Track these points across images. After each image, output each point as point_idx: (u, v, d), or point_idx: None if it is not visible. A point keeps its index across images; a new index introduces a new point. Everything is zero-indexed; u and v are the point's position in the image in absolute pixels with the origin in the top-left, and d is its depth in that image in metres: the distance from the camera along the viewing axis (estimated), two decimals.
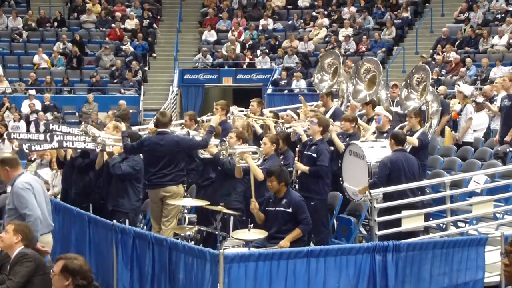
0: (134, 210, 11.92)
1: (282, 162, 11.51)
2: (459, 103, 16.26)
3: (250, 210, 10.57)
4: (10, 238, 7.93)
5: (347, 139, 12.42)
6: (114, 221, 10.42)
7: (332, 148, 11.98)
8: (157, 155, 11.55)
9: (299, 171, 11.49)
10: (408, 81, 13.31)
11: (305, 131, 12.20)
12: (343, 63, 27.81)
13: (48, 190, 14.95)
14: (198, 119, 14.31)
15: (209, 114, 14.92)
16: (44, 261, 8.04)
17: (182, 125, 14.59)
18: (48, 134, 12.45)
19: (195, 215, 12.32)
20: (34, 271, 7.66)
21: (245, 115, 14.22)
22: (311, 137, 11.84)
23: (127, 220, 11.27)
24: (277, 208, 10.14)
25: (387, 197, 10.84)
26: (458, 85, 17.06)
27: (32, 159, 17.97)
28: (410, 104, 13.10)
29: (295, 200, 10.13)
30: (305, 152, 11.60)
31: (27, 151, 13.49)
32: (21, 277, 7.60)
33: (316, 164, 11.39)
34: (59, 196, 14.35)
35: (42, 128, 25.03)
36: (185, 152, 11.87)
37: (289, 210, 10.06)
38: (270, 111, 14.42)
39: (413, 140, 12.05)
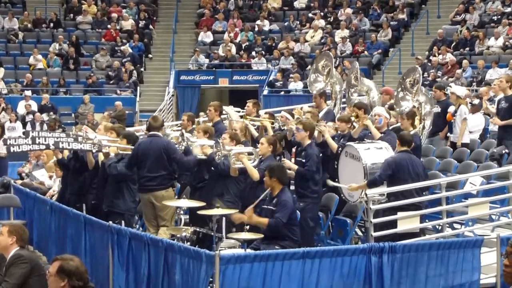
0: (129, 211, 11.91)
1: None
2: (453, 104, 16.25)
3: (245, 211, 10.57)
4: (5, 239, 7.89)
5: (342, 139, 12.44)
6: (110, 222, 10.43)
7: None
8: (145, 157, 11.61)
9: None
10: (403, 86, 13.32)
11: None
12: (339, 65, 27.95)
13: (45, 192, 15.01)
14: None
15: (204, 115, 14.90)
16: (40, 262, 8.00)
17: (178, 125, 14.59)
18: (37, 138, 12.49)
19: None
20: (29, 272, 7.63)
21: (241, 116, 14.21)
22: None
23: (122, 221, 11.26)
24: (268, 206, 10.21)
25: (392, 197, 10.86)
26: (450, 86, 17.07)
27: (29, 160, 17.97)
28: (404, 104, 13.11)
29: (281, 198, 10.17)
30: (297, 159, 11.63)
31: (12, 149, 13.10)
32: (16, 278, 7.56)
33: (304, 168, 11.44)
34: (54, 197, 14.35)
35: (38, 128, 25.07)
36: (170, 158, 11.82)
37: (274, 209, 10.12)
38: (266, 112, 14.42)
39: None
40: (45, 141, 12.44)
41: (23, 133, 14.70)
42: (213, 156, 11.43)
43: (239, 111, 14.90)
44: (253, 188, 11.13)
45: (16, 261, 7.67)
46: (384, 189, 10.91)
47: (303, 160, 11.48)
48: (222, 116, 14.05)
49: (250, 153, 11.40)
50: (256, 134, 13.24)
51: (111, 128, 12.77)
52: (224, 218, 10.59)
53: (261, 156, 11.33)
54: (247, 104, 14.29)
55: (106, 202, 11.95)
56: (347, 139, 12.28)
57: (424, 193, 12.04)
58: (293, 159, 11.86)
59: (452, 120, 15.39)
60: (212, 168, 11.73)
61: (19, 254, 7.74)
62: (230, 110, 14.14)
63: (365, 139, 12.14)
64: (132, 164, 11.73)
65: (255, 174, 11.00)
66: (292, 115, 13.79)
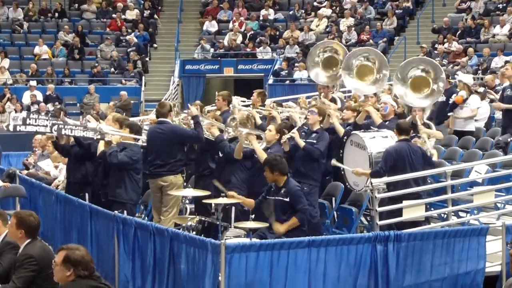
0: (131, 200, 11.91)
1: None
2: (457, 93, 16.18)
3: (252, 198, 10.57)
4: (14, 232, 7.67)
5: (347, 128, 12.43)
6: (116, 211, 10.45)
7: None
8: (155, 144, 11.69)
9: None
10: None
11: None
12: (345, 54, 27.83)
13: (51, 182, 15.03)
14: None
15: (213, 105, 14.89)
16: (51, 256, 7.57)
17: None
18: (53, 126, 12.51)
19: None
20: (38, 272, 7.41)
21: (247, 105, 14.22)
22: (304, 126, 11.97)
23: (125, 211, 11.26)
24: (276, 197, 10.14)
25: (391, 187, 10.84)
26: (457, 74, 17.00)
27: (34, 150, 17.97)
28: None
29: (292, 189, 10.07)
30: (307, 140, 11.60)
31: (19, 126, 12.97)
32: (23, 282, 7.38)
33: (313, 147, 11.47)
34: (60, 187, 14.38)
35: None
36: (181, 142, 11.90)
37: (287, 199, 10.05)
38: (273, 101, 14.40)
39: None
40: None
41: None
42: (221, 138, 11.45)
43: (244, 101, 14.88)
44: (260, 175, 11.12)
45: (25, 263, 7.41)
46: (389, 178, 10.87)
47: (314, 141, 11.50)
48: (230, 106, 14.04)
49: (258, 137, 11.44)
50: (260, 121, 13.25)
51: (117, 119, 12.80)
52: (233, 207, 10.62)
53: (267, 143, 11.37)
54: (253, 94, 14.30)
55: (109, 191, 11.99)
56: (353, 127, 12.29)
57: (429, 180, 12.04)
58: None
59: (461, 103, 15.15)
60: (219, 152, 11.73)
61: (30, 254, 7.45)
62: (235, 100, 14.14)
63: (371, 127, 12.14)
64: (148, 152, 11.87)
65: (263, 156, 10.88)
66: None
